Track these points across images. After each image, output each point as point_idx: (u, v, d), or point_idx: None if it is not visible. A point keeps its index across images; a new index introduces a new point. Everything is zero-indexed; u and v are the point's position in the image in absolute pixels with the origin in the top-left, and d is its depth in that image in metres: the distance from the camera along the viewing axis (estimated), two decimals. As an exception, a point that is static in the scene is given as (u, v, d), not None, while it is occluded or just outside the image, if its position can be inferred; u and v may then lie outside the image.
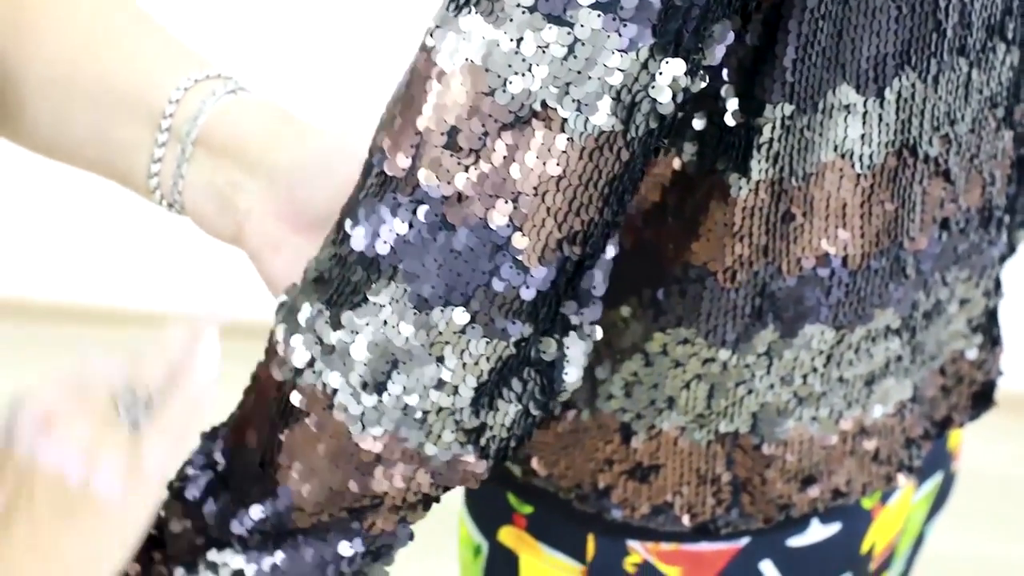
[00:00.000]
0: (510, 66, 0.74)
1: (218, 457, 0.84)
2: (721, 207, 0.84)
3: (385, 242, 0.77)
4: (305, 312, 0.79)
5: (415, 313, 0.76)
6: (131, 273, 2.94)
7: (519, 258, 0.76)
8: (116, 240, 2.90)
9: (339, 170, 0.85)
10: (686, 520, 0.96)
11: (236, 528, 0.83)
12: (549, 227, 0.76)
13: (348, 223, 0.78)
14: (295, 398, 0.80)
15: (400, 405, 0.78)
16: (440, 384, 0.78)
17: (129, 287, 2.95)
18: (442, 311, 0.76)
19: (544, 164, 0.75)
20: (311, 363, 0.79)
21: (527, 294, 0.77)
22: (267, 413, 0.81)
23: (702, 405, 0.92)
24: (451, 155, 0.75)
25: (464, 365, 0.77)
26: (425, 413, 0.78)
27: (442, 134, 0.75)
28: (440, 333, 0.77)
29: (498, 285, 0.76)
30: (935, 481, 1.08)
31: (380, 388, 0.78)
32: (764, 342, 0.89)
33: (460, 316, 0.77)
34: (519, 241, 0.76)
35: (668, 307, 0.89)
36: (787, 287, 0.87)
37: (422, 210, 0.76)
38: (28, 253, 2.96)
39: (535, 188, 0.75)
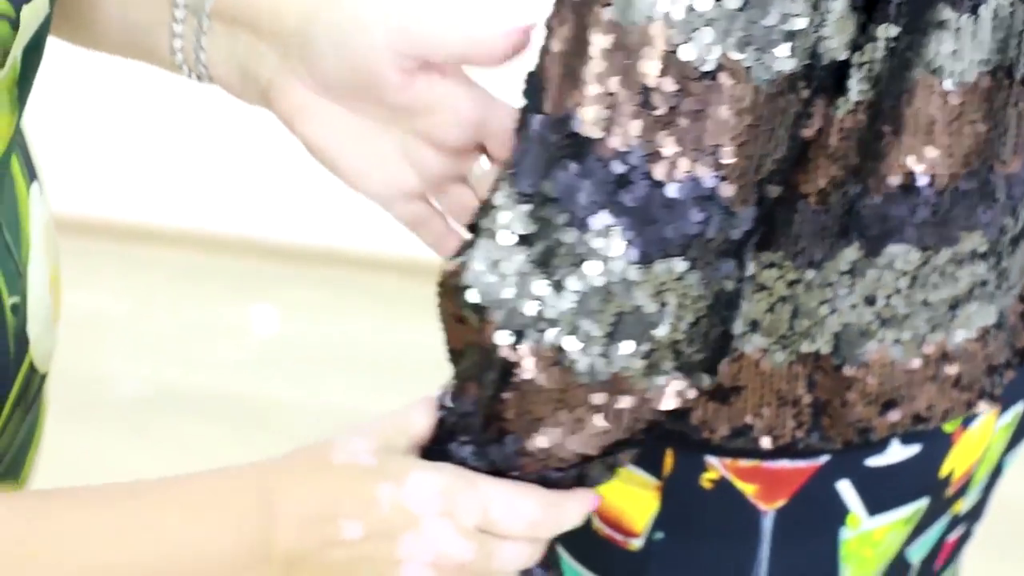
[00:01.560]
0: (690, 22, 0.75)
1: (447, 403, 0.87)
2: (821, 129, 0.85)
3: (594, 202, 0.78)
4: (513, 274, 0.80)
5: (638, 267, 0.78)
6: (220, 196, 2.93)
7: (726, 205, 0.78)
8: (210, 163, 2.89)
9: (355, 39, 0.87)
10: (766, 442, 0.97)
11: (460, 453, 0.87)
12: (750, 172, 0.78)
13: (546, 184, 0.79)
14: (517, 359, 0.81)
15: (628, 351, 0.80)
16: (663, 325, 0.80)
17: (220, 210, 2.94)
18: (662, 262, 0.78)
19: (737, 114, 0.77)
20: (532, 325, 0.80)
21: (736, 234, 0.80)
22: (486, 373, 0.83)
23: (785, 327, 0.93)
24: (647, 114, 0.77)
25: (683, 306, 0.80)
26: (650, 352, 0.81)
27: (636, 93, 0.77)
28: (663, 283, 0.79)
29: (710, 232, 0.79)
30: (1016, 411, 1.08)
31: (607, 340, 0.80)
32: (847, 260, 0.90)
33: (680, 265, 0.79)
34: (725, 189, 0.78)
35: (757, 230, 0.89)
36: (873, 205, 0.88)
37: (627, 169, 0.78)
38: (121, 176, 2.95)
39: (732, 138, 0.77)
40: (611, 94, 0.77)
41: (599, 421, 0.82)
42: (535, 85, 0.81)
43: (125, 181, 2.94)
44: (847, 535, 1.01)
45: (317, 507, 0.81)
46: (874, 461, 0.99)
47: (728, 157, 0.77)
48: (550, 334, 0.80)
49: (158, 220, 2.94)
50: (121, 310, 2.79)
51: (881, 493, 1.00)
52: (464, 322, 0.83)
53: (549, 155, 0.79)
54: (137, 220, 2.95)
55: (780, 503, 0.99)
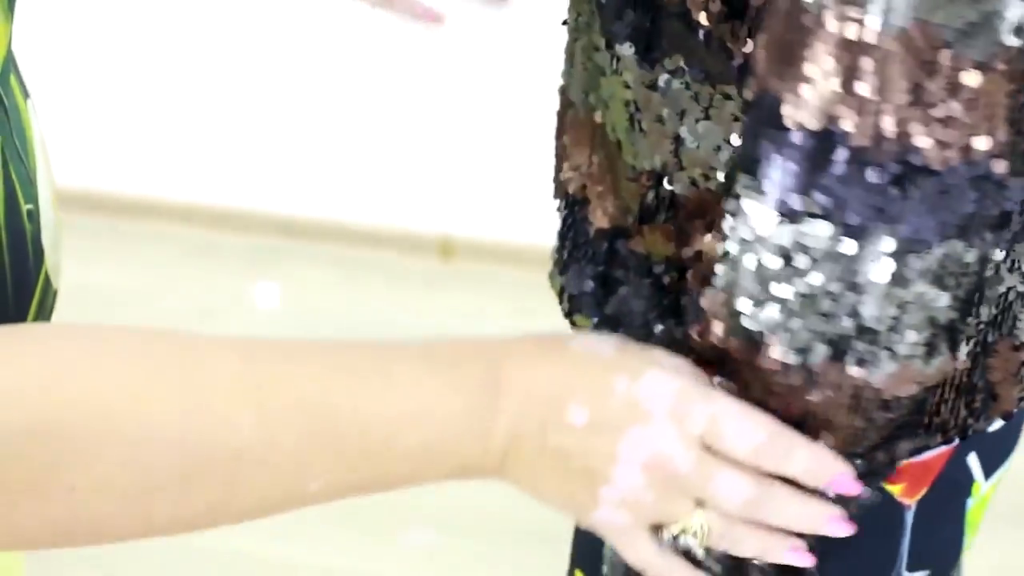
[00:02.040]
0: (961, 15, 0.75)
1: None
2: None
3: (864, 207, 0.78)
4: (787, 296, 0.80)
5: (918, 257, 0.79)
6: (222, 172, 2.88)
7: (999, 180, 0.79)
8: (213, 139, 2.85)
9: None
10: (938, 438, 0.96)
11: None
12: (1020, 143, 0.78)
13: (809, 200, 0.78)
14: (802, 377, 0.81)
15: (911, 339, 0.80)
16: (944, 308, 0.80)
17: (222, 186, 2.89)
18: (941, 246, 0.79)
19: (1009, 95, 0.77)
20: (815, 340, 0.80)
21: (1009, 206, 0.80)
22: (778, 390, 0.82)
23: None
24: (921, 112, 0.77)
25: (959, 285, 0.80)
26: (931, 337, 0.81)
27: (906, 93, 0.76)
28: (944, 266, 0.79)
29: (986, 209, 0.79)
30: None
31: (891, 336, 0.80)
32: None
33: (958, 246, 0.79)
34: (998, 166, 0.78)
35: None
36: None
37: (901, 168, 0.77)
38: (125, 151, 2.90)
39: (1005, 118, 0.77)
40: (875, 100, 0.77)
41: (886, 414, 0.82)
42: (769, 101, 0.79)
43: (129, 157, 2.89)
44: (971, 504, 1.01)
45: (547, 387, 0.78)
46: (994, 426, 0.99)
47: (1001, 136, 0.78)
48: (837, 342, 0.80)
49: (161, 196, 2.89)
50: (123, 286, 2.75)
51: (993, 455, 1.01)
52: (731, 347, 0.82)
53: (807, 170, 0.78)
54: (140, 196, 2.90)
55: (922, 492, 0.99)
